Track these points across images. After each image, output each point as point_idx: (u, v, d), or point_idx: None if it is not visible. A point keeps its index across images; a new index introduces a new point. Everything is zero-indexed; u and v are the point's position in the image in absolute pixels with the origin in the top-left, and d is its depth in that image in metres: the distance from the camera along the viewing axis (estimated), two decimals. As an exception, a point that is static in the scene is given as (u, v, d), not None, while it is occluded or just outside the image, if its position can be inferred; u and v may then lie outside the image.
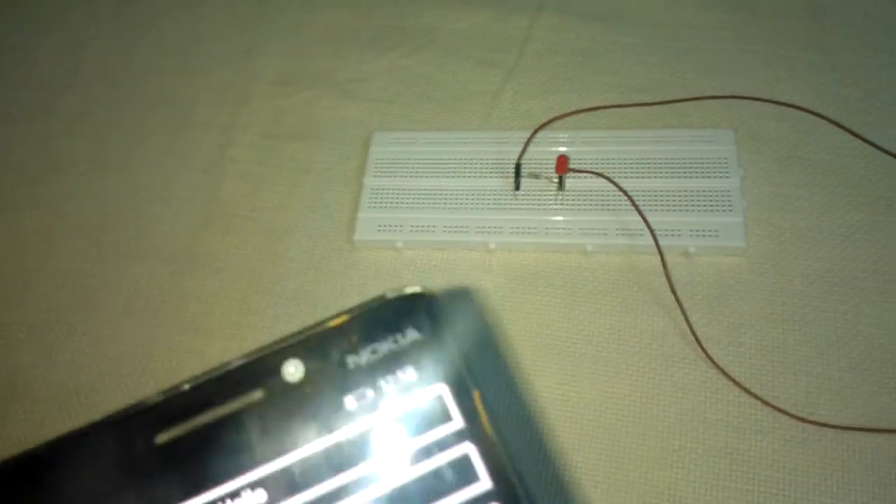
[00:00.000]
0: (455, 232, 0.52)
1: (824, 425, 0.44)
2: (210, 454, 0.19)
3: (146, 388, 0.50)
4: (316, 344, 0.20)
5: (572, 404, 0.46)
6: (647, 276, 0.49)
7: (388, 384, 0.19)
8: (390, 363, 0.19)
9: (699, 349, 0.46)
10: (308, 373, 0.19)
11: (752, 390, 0.45)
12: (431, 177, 0.54)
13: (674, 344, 0.47)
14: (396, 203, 0.53)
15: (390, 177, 0.54)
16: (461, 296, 0.50)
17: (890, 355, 0.45)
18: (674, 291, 0.47)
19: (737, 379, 0.45)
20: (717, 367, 0.46)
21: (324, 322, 0.20)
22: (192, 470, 0.19)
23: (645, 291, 0.49)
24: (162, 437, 0.19)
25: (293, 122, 0.60)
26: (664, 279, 0.48)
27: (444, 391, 0.19)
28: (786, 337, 0.47)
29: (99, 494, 0.18)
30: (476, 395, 0.19)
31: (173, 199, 0.58)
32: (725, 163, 0.51)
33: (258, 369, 0.19)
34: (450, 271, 0.51)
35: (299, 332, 0.20)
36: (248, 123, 0.61)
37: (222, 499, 0.18)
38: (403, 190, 0.54)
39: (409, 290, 0.20)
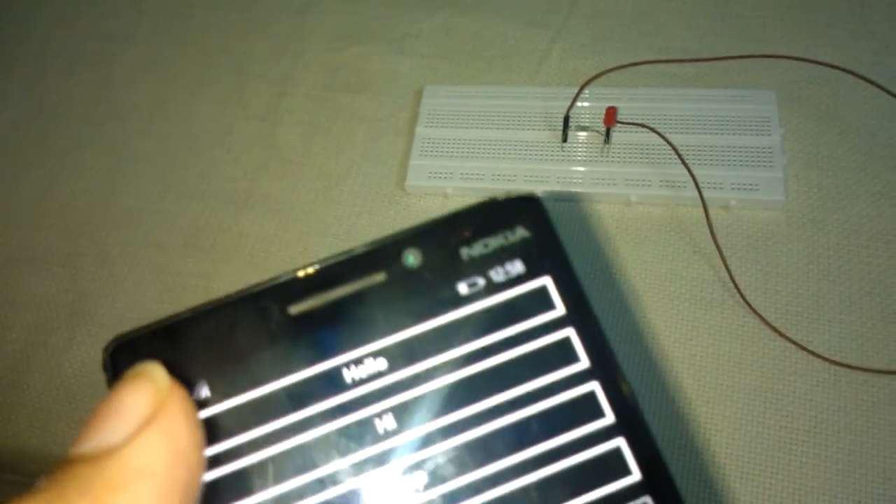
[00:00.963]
0: (503, 180, 0.54)
1: (855, 368, 0.46)
2: (337, 326, 0.20)
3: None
4: (432, 235, 0.21)
5: (615, 343, 0.48)
6: (689, 226, 0.51)
7: (497, 274, 0.21)
8: (500, 256, 0.21)
9: (738, 296, 0.48)
10: (425, 260, 0.21)
11: (788, 335, 0.47)
12: (481, 128, 0.56)
13: (713, 290, 0.49)
14: (447, 152, 0.56)
15: (441, 127, 0.57)
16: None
17: (922, 304, 0.47)
18: (715, 241, 0.49)
19: (773, 324, 0.47)
20: (755, 312, 0.48)
21: (439, 217, 0.21)
22: (321, 338, 0.20)
23: (686, 241, 0.51)
24: (294, 309, 0.20)
25: (347, 76, 0.62)
26: (705, 229, 0.50)
27: (548, 282, 0.21)
28: (820, 286, 0.49)
29: (238, 357, 0.20)
30: (577, 285, 0.21)
31: (232, 145, 0.60)
32: (767, 121, 0.52)
33: (381, 254, 0.21)
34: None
35: (417, 225, 0.21)
36: (304, 76, 0.63)
37: (347, 364, 0.20)
38: (454, 140, 0.56)
39: (518, 193, 0.22)
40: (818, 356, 0.46)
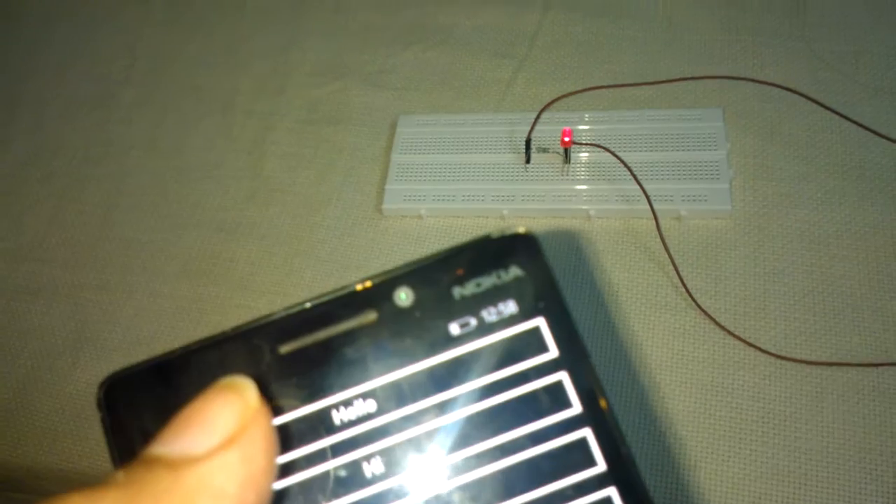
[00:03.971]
0: (472, 201, 0.58)
1: (799, 361, 0.49)
2: (327, 366, 0.20)
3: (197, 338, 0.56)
4: (425, 274, 0.21)
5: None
6: (644, 237, 0.55)
7: (489, 315, 0.20)
8: (493, 296, 0.21)
9: (689, 299, 0.52)
10: (417, 299, 0.21)
11: (736, 333, 0.51)
12: (451, 153, 0.60)
13: (667, 295, 0.53)
14: (420, 177, 0.60)
15: (415, 154, 0.61)
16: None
17: (860, 301, 0.51)
18: (667, 249, 0.53)
19: (722, 324, 0.51)
20: (705, 313, 0.52)
21: (433, 255, 0.21)
22: (311, 379, 0.20)
23: (642, 251, 0.55)
24: (285, 348, 0.20)
25: (327, 109, 0.67)
26: (659, 240, 0.54)
27: (542, 324, 0.20)
28: (767, 288, 0.52)
29: None
30: (572, 327, 0.20)
31: (221, 177, 0.65)
32: (714, 137, 0.57)
33: (373, 293, 0.21)
34: (468, 236, 0.58)
35: (410, 263, 0.21)
36: (287, 111, 0.68)
37: (336, 406, 0.20)
38: (427, 165, 0.60)
39: (513, 230, 0.21)
40: (765, 352, 0.50)
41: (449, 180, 0.59)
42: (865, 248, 0.53)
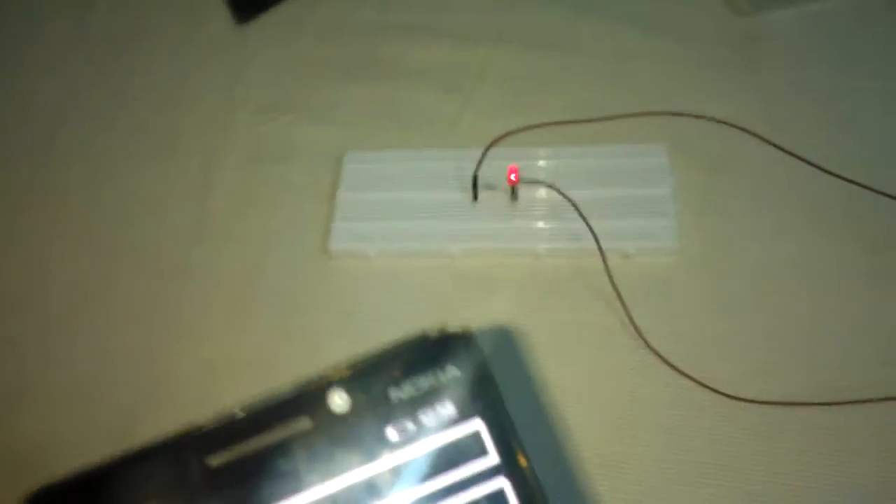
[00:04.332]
0: (421, 240, 0.57)
1: (752, 401, 0.49)
2: (259, 478, 0.19)
3: (150, 385, 0.54)
4: (361, 377, 0.21)
5: (530, 389, 0.51)
6: (593, 275, 0.54)
7: (427, 418, 0.20)
8: (431, 398, 0.20)
9: (640, 339, 0.52)
10: (353, 404, 0.20)
11: (687, 373, 0.50)
12: (399, 191, 0.59)
13: (617, 335, 0.52)
14: (368, 215, 0.59)
15: (361, 191, 0.60)
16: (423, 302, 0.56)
17: (813, 338, 0.51)
18: (615, 288, 0.53)
19: (673, 363, 0.50)
20: (656, 353, 0.51)
21: (368, 357, 0.21)
22: (243, 492, 0.19)
23: (591, 289, 0.54)
24: (215, 461, 0.20)
25: (272, 146, 0.65)
26: (608, 278, 0.53)
27: (480, 427, 0.20)
28: (717, 325, 0.52)
29: None
30: (511, 430, 0.20)
31: (164, 219, 0.63)
32: (660, 173, 0.56)
33: (307, 399, 0.20)
34: (417, 276, 0.57)
35: (345, 366, 0.21)
36: (231, 148, 0.66)
37: None
38: (374, 203, 0.59)
39: (449, 329, 0.21)
40: (716, 391, 0.49)
41: (397, 218, 0.58)
42: (816, 285, 0.53)
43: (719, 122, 0.59)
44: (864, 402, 0.48)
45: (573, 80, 0.65)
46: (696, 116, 0.59)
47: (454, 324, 0.52)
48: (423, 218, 0.58)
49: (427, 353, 0.21)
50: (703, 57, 0.64)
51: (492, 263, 0.56)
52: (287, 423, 0.20)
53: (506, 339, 0.53)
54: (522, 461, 0.20)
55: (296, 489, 0.19)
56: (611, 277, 0.53)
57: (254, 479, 0.19)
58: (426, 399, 0.20)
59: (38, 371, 0.57)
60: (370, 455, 0.20)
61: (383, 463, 0.20)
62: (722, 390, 0.49)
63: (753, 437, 0.48)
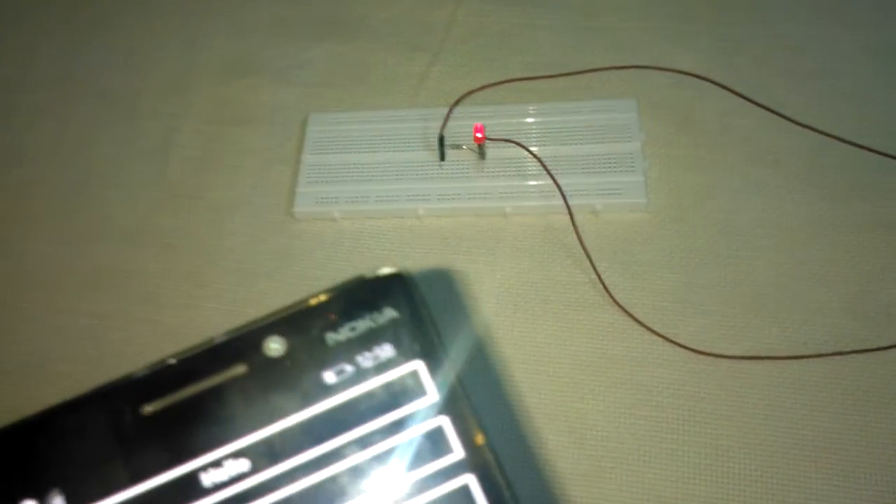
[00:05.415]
0: (387, 201, 0.56)
1: (719, 356, 0.49)
2: (194, 425, 0.19)
3: (106, 356, 0.54)
4: (296, 321, 0.20)
5: (498, 347, 0.51)
6: (560, 233, 0.54)
7: (365, 360, 0.19)
8: (368, 340, 0.20)
9: (607, 295, 0.51)
10: (289, 348, 0.20)
11: (654, 329, 0.50)
12: (364, 152, 0.58)
13: (585, 292, 0.52)
14: (333, 178, 0.58)
15: (326, 153, 0.59)
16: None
17: (780, 293, 0.50)
18: (583, 245, 0.52)
19: (640, 320, 0.50)
20: (623, 310, 0.51)
21: (303, 301, 0.20)
22: (178, 439, 0.19)
23: (559, 247, 0.54)
24: (148, 409, 0.19)
25: (235, 108, 0.64)
26: (575, 235, 0.52)
27: (420, 367, 0.20)
28: (685, 281, 0.52)
29: (88, 463, 0.18)
30: (452, 372, 0.19)
31: (125, 184, 0.61)
32: (628, 128, 0.56)
33: (241, 345, 0.20)
34: (383, 237, 0.56)
35: (280, 310, 0.20)
36: (193, 111, 0.65)
37: (205, 467, 0.19)
38: (339, 165, 0.58)
39: (385, 270, 0.21)
40: (685, 347, 0.49)
41: (362, 180, 0.57)
42: (783, 237, 0.52)
43: (687, 74, 0.58)
44: (831, 354, 0.48)
45: (540, 35, 0.63)
46: (664, 69, 0.58)
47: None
48: (389, 179, 0.57)
49: (364, 295, 0.20)
50: (671, 10, 0.63)
51: (460, 223, 0.55)
52: (221, 370, 0.19)
53: (473, 299, 0.52)
54: (463, 400, 0.19)
55: (233, 434, 0.19)
56: (578, 234, 0.52)
57: (189, 425, 0.19)
58: (364, 341, 0.20)
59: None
60: (307, 399, 0.19)
61: (321, 406, 0.19)
62: (689, 345, 0.49)
63: (721, 391, 0.48)
